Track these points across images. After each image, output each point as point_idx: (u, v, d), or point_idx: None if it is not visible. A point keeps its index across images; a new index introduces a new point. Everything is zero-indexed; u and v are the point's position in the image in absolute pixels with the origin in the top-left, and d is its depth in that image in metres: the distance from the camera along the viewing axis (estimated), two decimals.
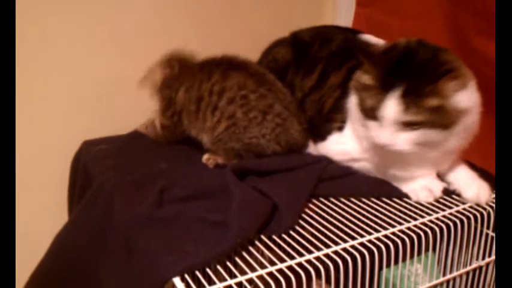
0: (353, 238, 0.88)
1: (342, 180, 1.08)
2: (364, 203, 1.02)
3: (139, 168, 1.14)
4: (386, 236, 0.89)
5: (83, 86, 1.42)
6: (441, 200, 1.02)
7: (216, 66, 1.20)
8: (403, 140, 0.91)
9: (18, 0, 1.23)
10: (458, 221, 0.94)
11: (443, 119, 0.90)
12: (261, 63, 1.34)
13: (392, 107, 0.89)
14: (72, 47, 1.38)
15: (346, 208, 0.99)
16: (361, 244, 0.86)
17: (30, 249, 1.14)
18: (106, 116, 1.47)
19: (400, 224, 0.93)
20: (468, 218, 0.96)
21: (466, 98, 0.92)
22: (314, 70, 1.21)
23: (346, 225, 0.92)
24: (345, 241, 0.87)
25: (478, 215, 0.97)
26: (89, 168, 1.24)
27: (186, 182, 1.04)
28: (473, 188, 1.01)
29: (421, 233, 0.90)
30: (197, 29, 1.56)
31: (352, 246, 0.85)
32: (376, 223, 0.93)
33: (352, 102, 1.02)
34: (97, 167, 1.20)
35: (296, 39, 1.31)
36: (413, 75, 0.89)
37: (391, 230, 0.91)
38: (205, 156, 1.19)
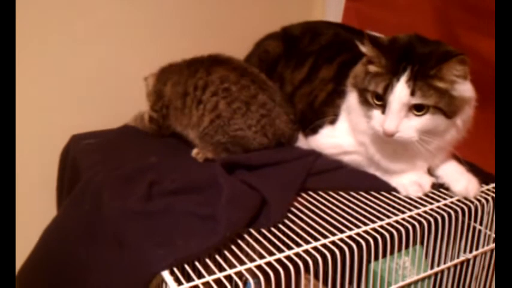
0: (341, 231, 0.88)
1: (331, 174, 1.08)
2: (352, 196, 1.02)
3: (128, 162, 1.14)
4: (374, 229, 0.89)
5: (72, 80, 1.41)
6: (429, 194, 1.03)
7: (201, 63, 1.23)
8: (408, 128, 0.92)
9: None
10: (446, 215, 0.95)
11: (449, 105, 0.91)
12: (252, 55, 1.36)
13: (401, 89, 0.90)
14: (61, 42, 1.37)
15: (334, 202, 1.00)
16: (350, 237, 0.87)
17: (17, 244, 1.13)
18: (95, 110, 1.46)
19: (388, 217, 0.93)
20: (456, 211, 0.97)
21: (469, 88, 0.95)
22: (304, 63, 1.21)
23: (334, 219, 0.93)
24: (333, 234, 0.87)
25: (466, 208, 0.98)
26: (77, 163, 1.23)
27: (175, 176, 1.04)
28: (462, 182, 1.02)
29: (409, 226, 0.91)
30: (190, 26, 1.55)
31: (341, 240, 0.86)
32: (364, 216, 0.94)
33: (351, 98, 1.03)
34: (85, 161, 1.19)
35: (286, 34, 1.32)
36: (421, 60, 0.91)
37: (379, 223, 0.91)
38: (194, 151, 1.19)
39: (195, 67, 1.22)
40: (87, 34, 1.40)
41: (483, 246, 1.04)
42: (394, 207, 0.97)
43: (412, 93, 0.89)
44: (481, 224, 1.02)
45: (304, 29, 1.30)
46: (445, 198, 1.01)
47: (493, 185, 1.06)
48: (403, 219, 0.93)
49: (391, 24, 1.48)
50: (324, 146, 1.12)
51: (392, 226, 0.91)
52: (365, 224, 0.91)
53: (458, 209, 0.97)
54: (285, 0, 1.73)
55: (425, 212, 0.96)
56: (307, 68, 1.21)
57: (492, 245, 1.05)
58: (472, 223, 1.00)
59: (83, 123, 1.39)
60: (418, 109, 0.91)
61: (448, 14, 1.32)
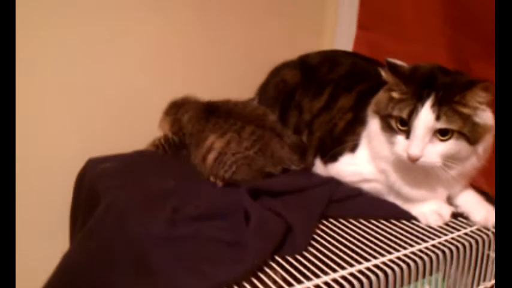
0: (367, 260, 0.89)
1: (351, 201, 1.09)
2: (373, 224, 1.03)
3: (148, 186, 1.14)
4: (398, 258, 0.90)
5: (88, 103, 1.43)
6: (449, 223, 1.04)
7: (209, 114, 1.29)
8: (433, 152, 0.93)
9: (21, 13, 1.23)
10: (467, 244, 0.96)
11: (472, 131, 0.93)
12: (268, 83, 1.38)
13: (426, 114, 0.92)
14: (77, 64, 1.39)
15: (356, 229, 1.00)
16: (376, 266, 0.87)
17: (30, 268, 1.12)
18: (111, 134, 1.47)
19: (411, 246, 0.94)
20: (476, 241, 0.98)
21: (491, 116, 0.97)
22: (323, 92, 1.24)
23: (358, 247, 0.93)
24: (359, 263, 0.88)
25: (485, 237, 0.99)
26: (95, 187, 1.23)
27: (198, 201, 1.05)
28: (482, 212, 1.03)
29: (432, 255, 0.91)
30: (199, 57, 1.59)
31: (368, 268, 0.86)
32: (387, 245, 0.94)
33: (373, 125, 1.04)
34: (104, 185, 1.19)
35: (304, 63, 1.35)
36: (445, 86, 0.93)
37: (403, 252, 0.92)
38: None
39: (206, 116, 1.29)
40: (106, 58, 1.42)
41: None
42: (414, 235, 0.98)
43: (437, 118, 0.91)
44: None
45: (322, 58, 1.33)
46: (464, 228, 1.02)
47: None
48: (426, 248, 0.94)
49: (402, 54, 1.48)
50: (344, 174, 1.14)
51: (415, 254, 0.91)
52: (389, 253, 0.91)
53: (479, 239, 0.98)
54: (295, 28, 1.76)
55: (446, 241, 0.97)
56: (326, 97, 1.23)
57: None
58: (491, 253, 1.01)
59: (100, 147, 1.39)
60: (442, 134, 0.93)
61: (460, 44, 1.35)
